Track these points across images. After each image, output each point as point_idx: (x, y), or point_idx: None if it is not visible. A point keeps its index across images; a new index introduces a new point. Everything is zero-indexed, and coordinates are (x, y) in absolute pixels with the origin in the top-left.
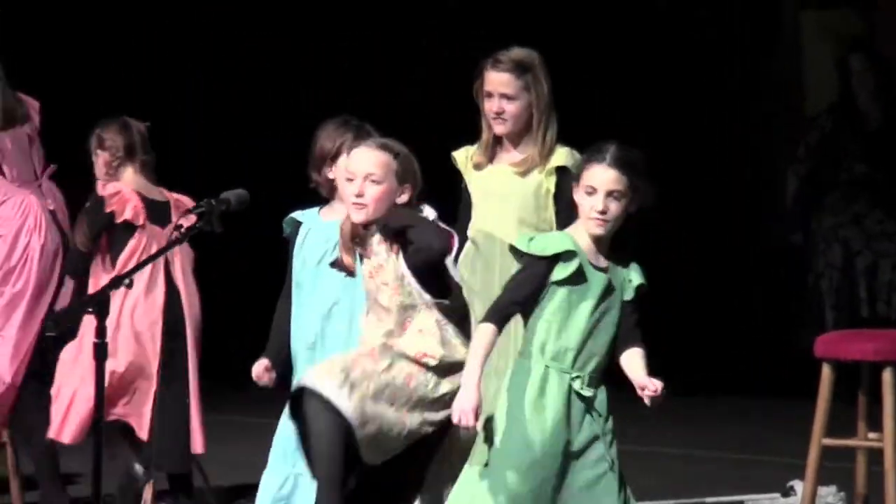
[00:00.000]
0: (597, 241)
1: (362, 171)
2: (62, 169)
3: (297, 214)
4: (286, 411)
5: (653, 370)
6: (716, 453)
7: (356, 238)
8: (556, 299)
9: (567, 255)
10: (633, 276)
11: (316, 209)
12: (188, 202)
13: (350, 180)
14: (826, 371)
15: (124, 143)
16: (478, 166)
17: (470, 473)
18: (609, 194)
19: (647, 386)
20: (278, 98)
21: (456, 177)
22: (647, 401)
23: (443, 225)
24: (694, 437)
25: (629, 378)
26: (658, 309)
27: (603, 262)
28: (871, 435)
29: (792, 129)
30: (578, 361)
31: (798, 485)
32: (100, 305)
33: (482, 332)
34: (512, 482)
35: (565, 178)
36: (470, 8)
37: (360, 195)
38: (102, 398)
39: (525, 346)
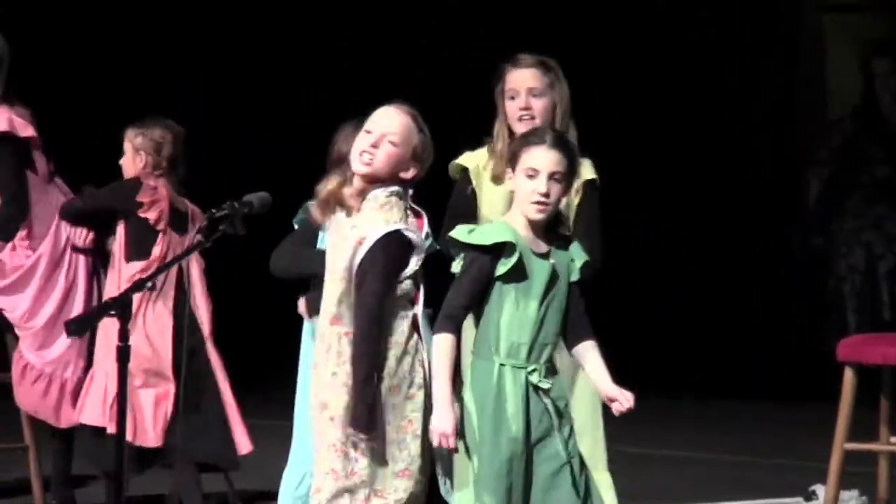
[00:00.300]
0: (535, 226)
1: (383, 128)
2: (65, 168)
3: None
4: (299, 405)
5: (667, 373)
6: (735, 457)
7: (333, 202)
8: (502, 297)
9: (509, 250)
10: (576, 256)
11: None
12: (200, 215)
13: (368, 132)
14: (848, 375)
15: (170, 152)
16: (497, 179)
17: (460, 495)
18: (551, 176)
19: (619, 399)
20: (278, 98)
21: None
22: (615, 412)
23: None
24: (711, 440)
25: (596, 387)
26: (658, 309)
27: (544, 248)
28: (894, 439)
29: (813, 132)
30: (533, 354)
31: (820, 489)
32: (122, 308)
33: (441, 344)
34: (489, 487)
35: (591, 191)
36: (470, 8)
37: (374, 146)
38: (125, 399)
39: (478, 346)
